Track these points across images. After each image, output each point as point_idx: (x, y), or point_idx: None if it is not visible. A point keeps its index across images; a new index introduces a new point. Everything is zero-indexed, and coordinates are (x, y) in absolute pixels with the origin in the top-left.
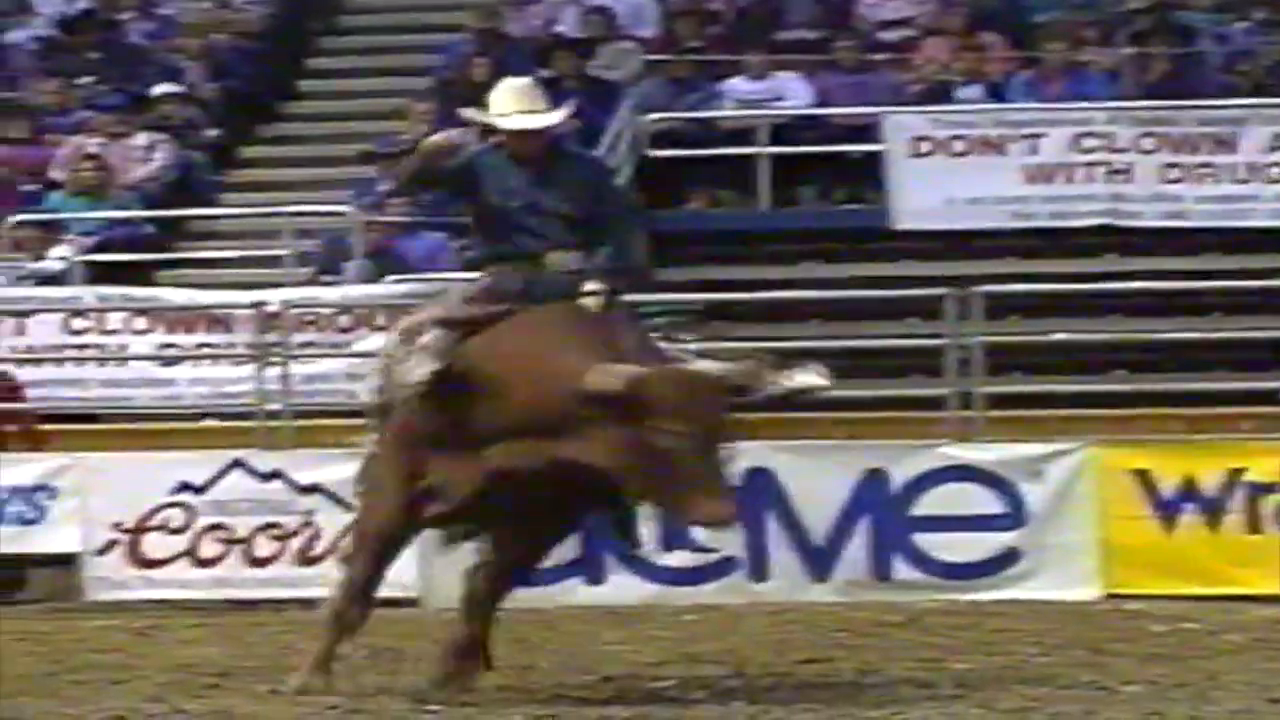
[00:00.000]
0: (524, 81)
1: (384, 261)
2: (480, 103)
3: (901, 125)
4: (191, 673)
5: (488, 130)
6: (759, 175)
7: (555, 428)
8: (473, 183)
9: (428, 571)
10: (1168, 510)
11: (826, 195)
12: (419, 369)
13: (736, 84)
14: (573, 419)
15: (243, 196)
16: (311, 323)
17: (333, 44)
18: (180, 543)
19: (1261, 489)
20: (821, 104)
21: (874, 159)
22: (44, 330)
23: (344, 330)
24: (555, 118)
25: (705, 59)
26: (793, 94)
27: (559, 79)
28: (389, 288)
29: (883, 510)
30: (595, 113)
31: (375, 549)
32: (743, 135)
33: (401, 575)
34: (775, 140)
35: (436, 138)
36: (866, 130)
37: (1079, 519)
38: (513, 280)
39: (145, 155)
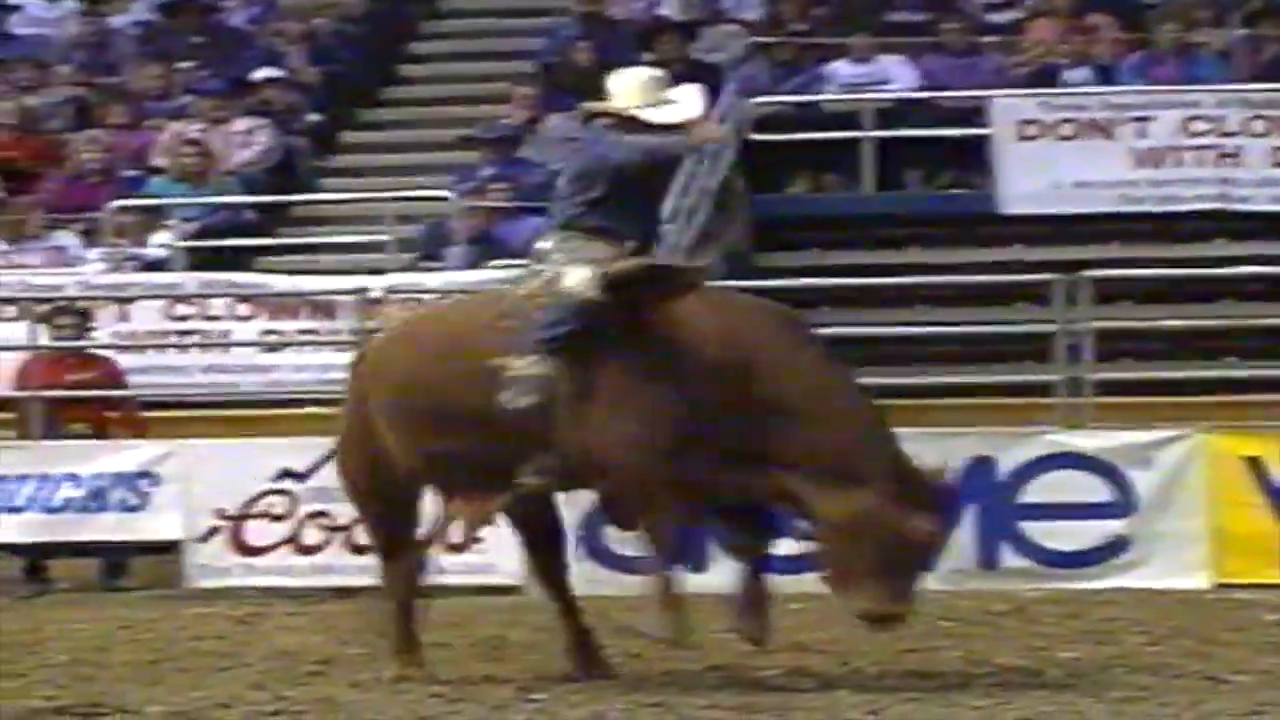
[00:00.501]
0: (652, 72)
1: (486, 247)
2: (585, 89)
3: (1009, 108)
4: (293, 660)
5: (598, 117)
6: (864, 159)
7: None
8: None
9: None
10: (1279, 498)
11: (932, 180)
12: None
13: (841, 67)
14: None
15: (344, 182)
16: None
17: (434, 28)
18: (282, 530)
19: None
20: (927, 87)
21: (980, 143)
22: (146, 317)
23: None
24: (697, 109)
25: (810, 42)
26: (898, 77)
27: (661, 63)
28: (491, 273)
29: (990, 498)
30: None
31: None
32: (847, 119)
33: (505, 563)
34: (880, 124)
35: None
36: (973, 114)
37: (1188, 507)
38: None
39: (246, 140)
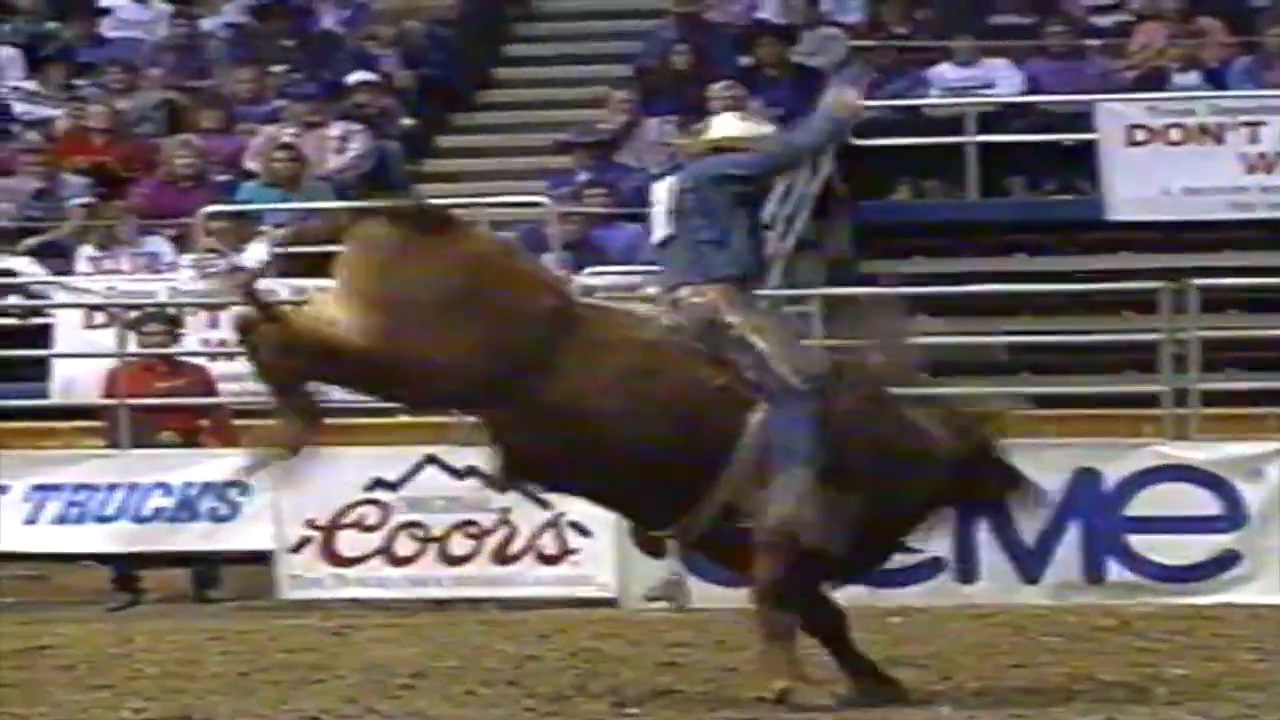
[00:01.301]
0: (743, 113)
1: (582, 253)
2: (683, 93)
3: (1115, 113)
4: (386, 673)
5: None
6: (967, 165)
7: None
8: None
9: (625, 571)
10: None
11: (1037, 186)
12: None
13: (944, 71)
14: None
15: (438, 187)
16: None
17: (530, 30)
18: (375, 540)
19: None
20: (1032, 91)
21: (1086, 148)
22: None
23: None
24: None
25: (912, 45)
26: (1003, 81)
27: (760, 67)
28: (587, 280)
29: (1095, 510)
30: (798, 101)
31: None
32: (950, 124)
33: (599, 575)
34: (984, 129)
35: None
36: (1079, 118)
37: None
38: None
39: (339, 145)
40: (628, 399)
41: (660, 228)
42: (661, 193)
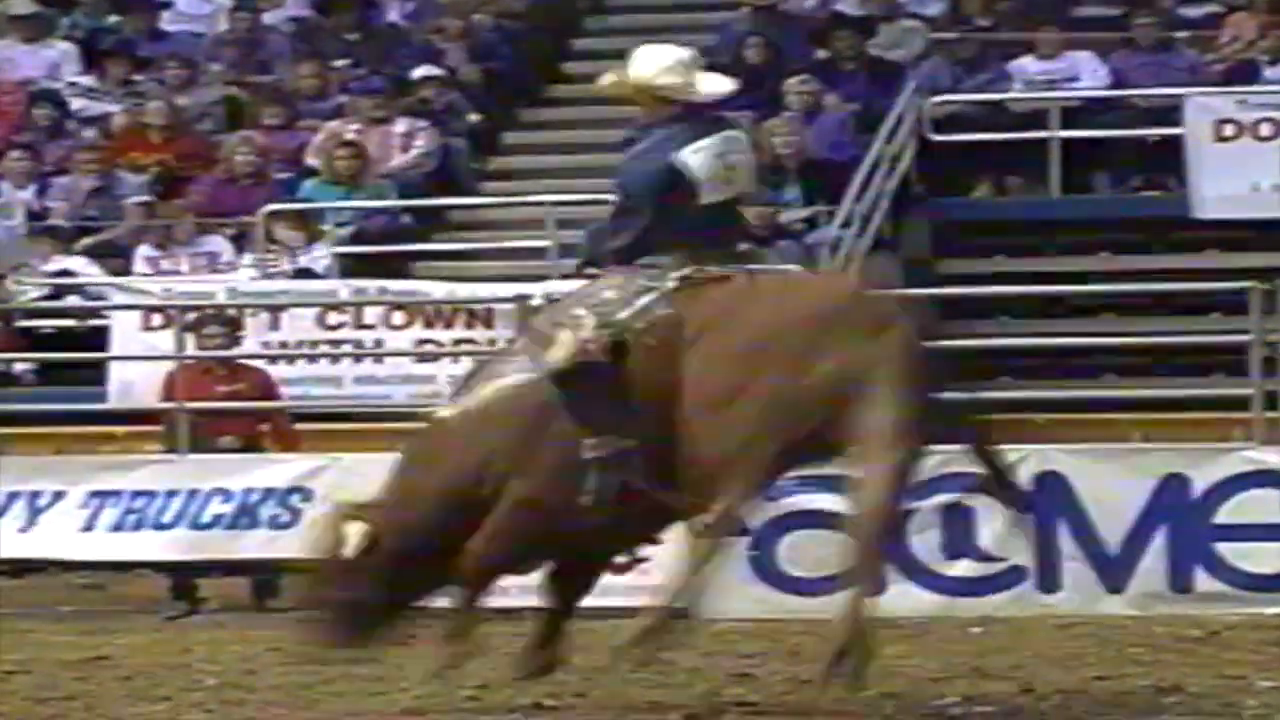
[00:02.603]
0: (684, 51)
1: None
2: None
3: (1204, 107)
4: (451, 684)
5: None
6: (1050, 161)
7: None
8: None
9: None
10: None
11: (1122, 182)
12: None
13: (1027, 64)
14: None
15: (504, 185)
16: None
17: (599, 23)
18: None
19: None
20: (1118, 85)
21: (1174, 144)
22: (298, 325)
23: None
24: (728, 85)
25: (994, 37)
26: (1087, 74)
27: (836, 60)
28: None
29: (1182, 517)
30: (876, 95)
31: None
32: (1033, 118)
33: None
34: (1068, 124)
35: None
36: (1166, 113)
37: None
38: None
39: (404, 142)
40: None
41: None
42: None
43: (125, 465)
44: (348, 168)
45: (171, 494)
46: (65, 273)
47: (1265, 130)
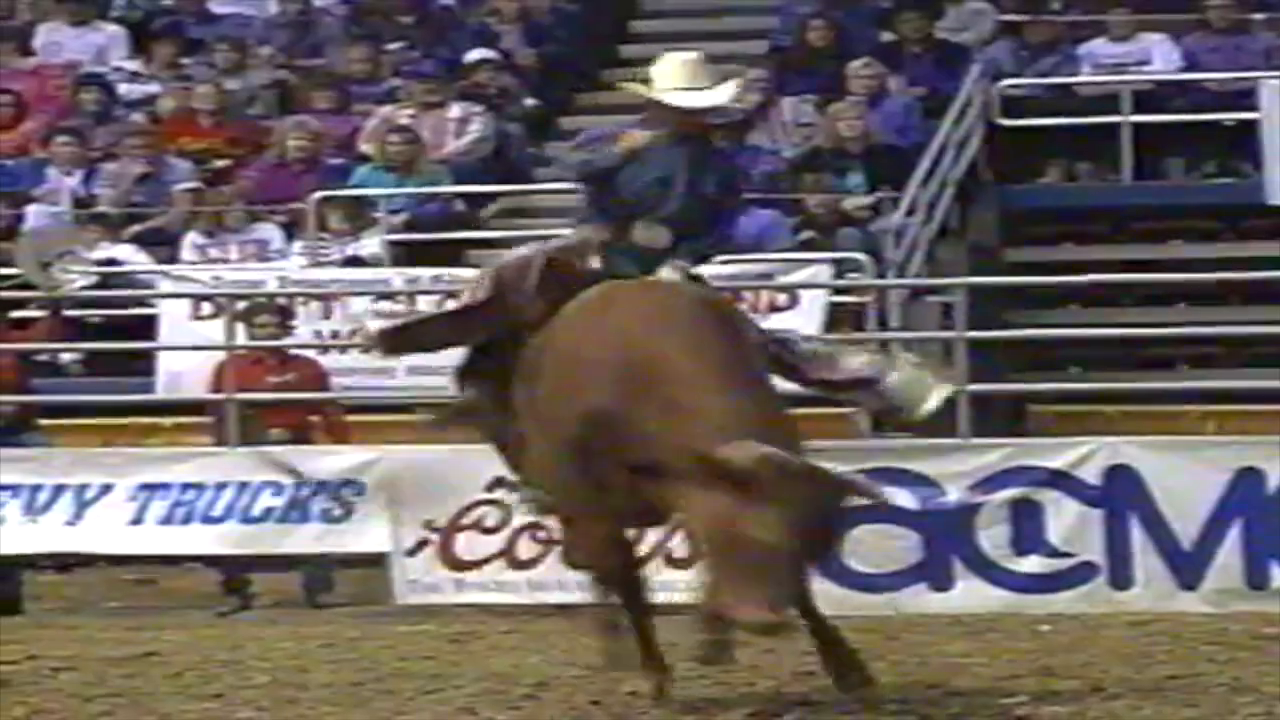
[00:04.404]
0: (692, 56)
1: None
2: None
3: (1279, 91)
4: (507, 683)
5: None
6: (1121, 146)
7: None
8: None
9: None
10: None
11: (1195, 168)
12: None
13: (1097, 46)
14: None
15: (560, 171)
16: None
17: (658, 5)
18: (495, 543)
19: None
20: (1191, 68)
21: (1248, 128)
22: (349, 314)
23: None
24: (720, 96)
25: (1063, 19)
26: (1160, 57)
27: (902, 43)
28: (717, 268)
29: (1258, 512)
30: (943, 79)
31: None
32: (1104, 102)
33: None
34: (1139, 108)
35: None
36: (1240, 97)
37: None
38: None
39: (458, 127)
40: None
41: None
42: None
43: (174, 458)
44: (401, 153)
45: (221, 487)
46: (113, 261)
47: None
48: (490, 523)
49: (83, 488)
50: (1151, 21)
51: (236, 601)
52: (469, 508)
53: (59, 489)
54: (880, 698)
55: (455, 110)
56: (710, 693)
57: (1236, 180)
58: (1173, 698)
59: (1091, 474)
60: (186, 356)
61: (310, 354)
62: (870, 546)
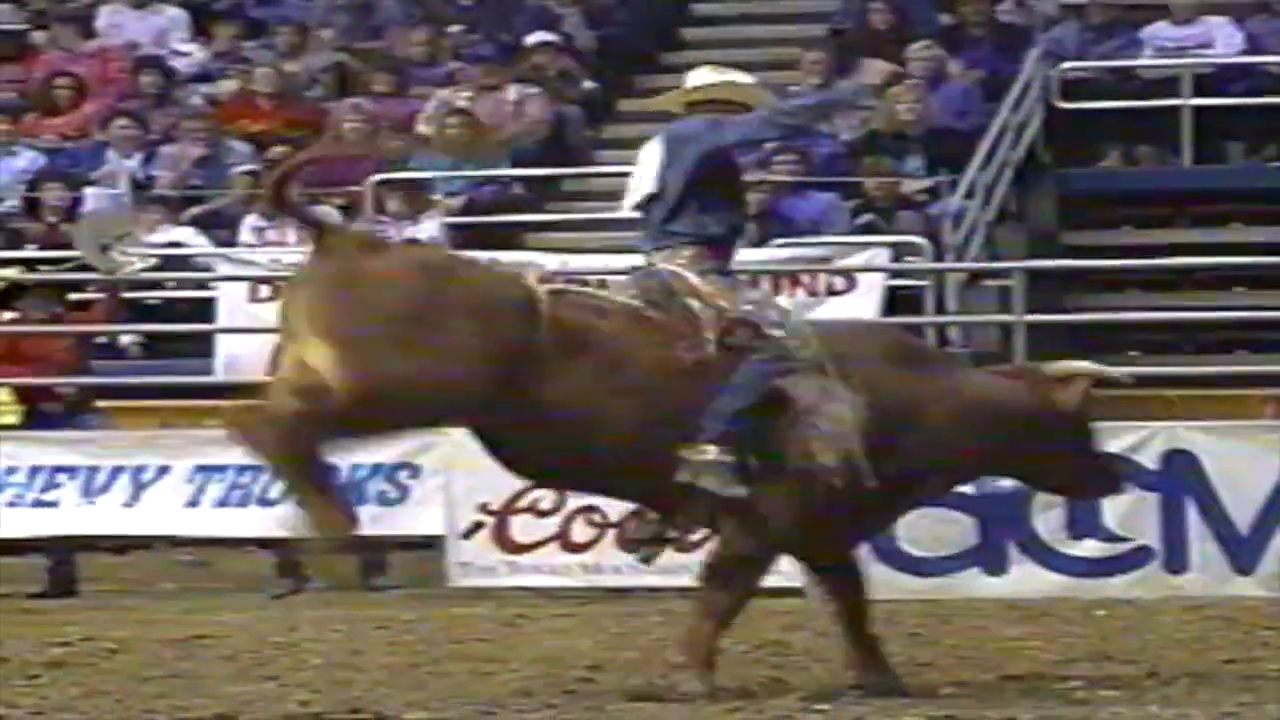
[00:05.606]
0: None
1: (769, 223)
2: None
3: None
4: (561, 665)
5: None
6: (1182, 130)
7: None
8: None
9: None
10: None
11: (1257, 151)
12: None
13: (1159, 29)
14: None
15: (620, 154)
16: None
17: None
18: (550, 526)
19: None
20: (1253, 51)
21: None
22: None
23: None
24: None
25: (1125, 2)
26: (1221, 40)
27: (963, 26)
28: (775, 252)
29: None
30: (1002, 61)
31: None
32: (1164, 86)
33: (783, 563)
34: (1200, 91)
35: None
36: None
37: None
38: None
39: (517, 110)
40: (608, 395)
41: (641, 189)
42: (646, 153)
43: (231, 440)
44: (460, 136)
45: None
46: (172, 243)
47: None
48: (545, 506)
49: (140, 469)
50: (1214, 4)
51: (291, 584)
52: (523, 491)
53: (116, 471)
54: (934, 683)
55: (513, 93)
56: (761, 675)
57: None
58: (1229, 683)
59: (1149, 458)
60: (245, 339)
61: None
62: (925, 530)
